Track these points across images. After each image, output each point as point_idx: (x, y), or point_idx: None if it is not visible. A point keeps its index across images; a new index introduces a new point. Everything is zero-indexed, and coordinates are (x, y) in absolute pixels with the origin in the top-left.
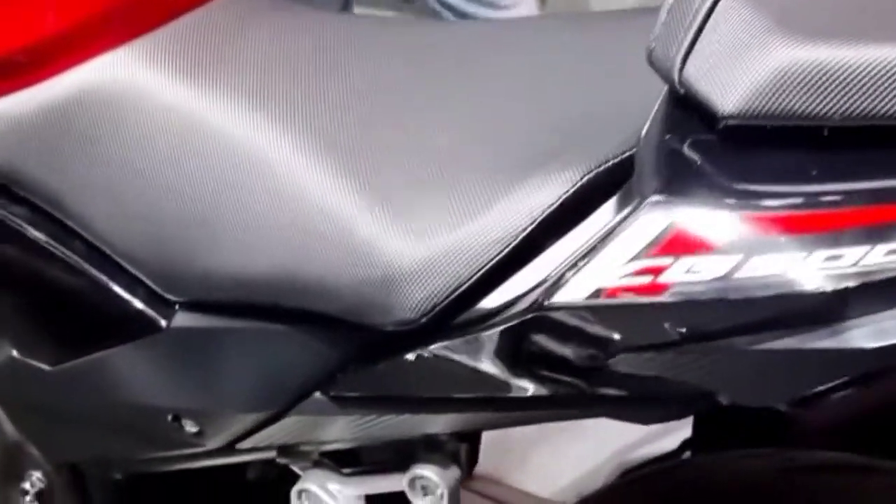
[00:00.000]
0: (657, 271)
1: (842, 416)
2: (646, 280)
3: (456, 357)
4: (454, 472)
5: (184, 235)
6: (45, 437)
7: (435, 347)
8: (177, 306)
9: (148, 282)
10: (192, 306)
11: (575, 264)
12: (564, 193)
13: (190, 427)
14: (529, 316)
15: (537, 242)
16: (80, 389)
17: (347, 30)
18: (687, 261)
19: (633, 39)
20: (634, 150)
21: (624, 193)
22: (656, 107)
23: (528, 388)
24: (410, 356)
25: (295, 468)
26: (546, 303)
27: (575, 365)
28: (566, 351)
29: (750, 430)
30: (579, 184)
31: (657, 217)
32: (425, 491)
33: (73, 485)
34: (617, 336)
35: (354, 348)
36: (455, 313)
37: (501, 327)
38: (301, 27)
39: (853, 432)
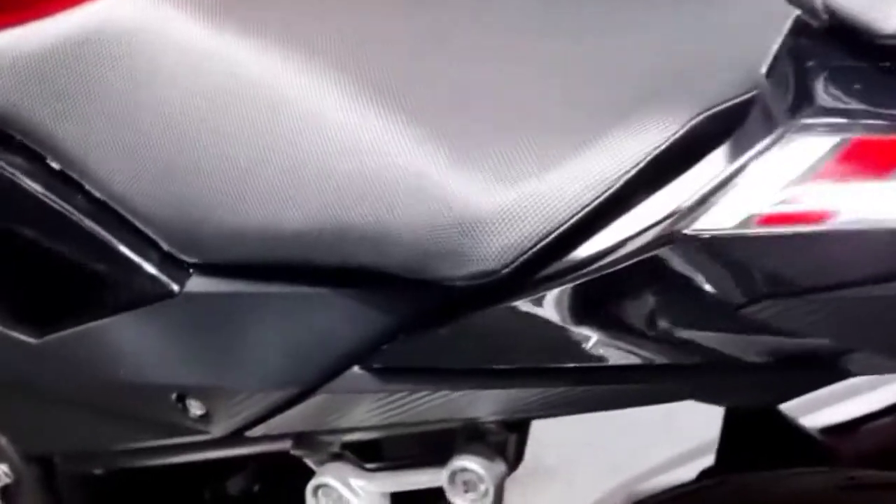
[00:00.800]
0: (820, 197)
1: (874, 444)
2: (806, 207)
3: (540, 314)
4: (500, 467)
5: (204, 189)
6: (19, 423)
7: (517, 303)
8: (191, 269)
9: (159, 241)
10: (209, 269)
11: (718, 188)
12: (673, 135)
13: (195, 409)
14: (646, 256)
15: (645, 183)
16: (69, 365)
17: None
18: (854, 186)
19: None
20: (748, 93)
21: (756, 125)
22: (780, 42)
23: (624, 352)
24: (485, 314)
25: (310, 462)
26: (685, 231)
27: (690, 320)
28: (685, 300)
29: (779, 456)
30: (690, 124)
31: (817, 141)
32: (467, 487)
33: (44, 481)
34: (762, 276)
35: (411, 310)
36: (544, 262)
37: (602, 274)
38: None
39: (884, 461)
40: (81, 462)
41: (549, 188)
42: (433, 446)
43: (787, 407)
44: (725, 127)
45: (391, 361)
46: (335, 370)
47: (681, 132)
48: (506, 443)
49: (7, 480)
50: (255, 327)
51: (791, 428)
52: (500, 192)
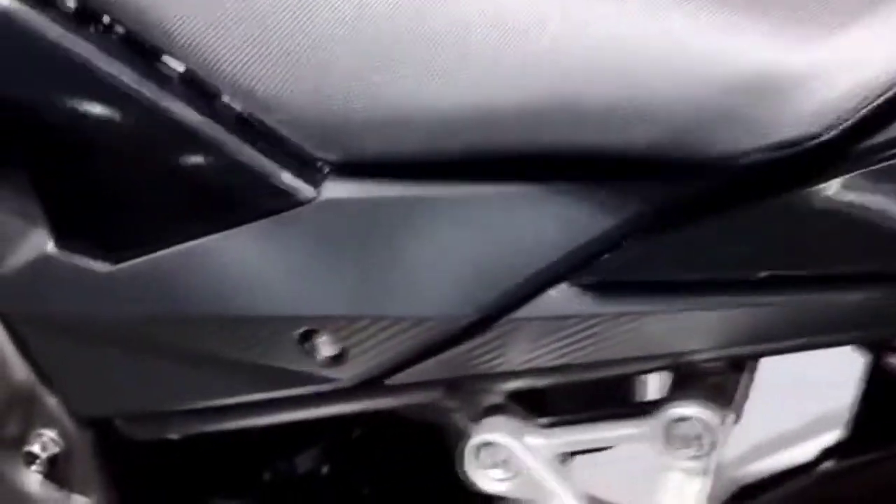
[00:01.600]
0: None
1: None
2: None
3: (858, 198)
4: (728, 416)
5: (356, 69)
6: (77, 378)
7: (827, 183)
8: (328, 169)
9: (285, 134)
10: (353, 168)
11: None
12: None
13: (325, 350)
14: None
15: None
16: (157, 298)
17: None
18: None
19: None
20: None
21: None
22: None
23: None
24: (775, 202)
25: (461, 418)
26: None
27: None
28: None
29: None
30: None
31: None
32: (685, 442)
33: (99, 449)
34: None
35: (651, 204)
36: (875, 127)
37: None
38: None
39: None
40: (152, 425)
41: (879, 34)
42: (628, 393)
43: None
44: None
45: (615, 274)
46: (532, 289)
47: None
48: (728, 386)
49: (55, 449)
50: (417, 240)
51: None
52: (806, 43)
